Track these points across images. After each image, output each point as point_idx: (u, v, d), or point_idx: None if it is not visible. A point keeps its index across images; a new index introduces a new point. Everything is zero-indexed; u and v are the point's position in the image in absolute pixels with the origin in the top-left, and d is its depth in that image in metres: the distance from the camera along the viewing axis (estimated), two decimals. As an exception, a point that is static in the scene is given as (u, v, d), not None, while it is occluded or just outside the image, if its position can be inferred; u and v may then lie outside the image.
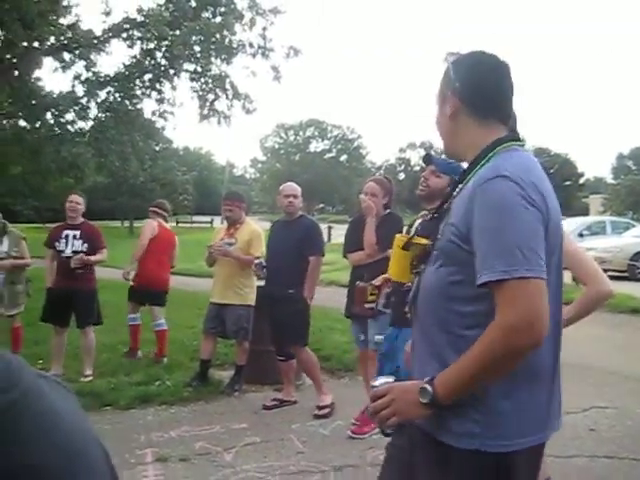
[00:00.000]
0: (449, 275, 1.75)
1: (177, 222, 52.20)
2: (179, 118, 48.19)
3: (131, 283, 7.68)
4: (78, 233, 6.60)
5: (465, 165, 1.91)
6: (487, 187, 1.67)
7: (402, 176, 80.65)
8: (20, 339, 7.13)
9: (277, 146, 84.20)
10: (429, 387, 1.67)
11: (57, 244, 6.59)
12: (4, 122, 15.20)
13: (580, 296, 2.81)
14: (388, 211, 5.17)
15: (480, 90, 1.84)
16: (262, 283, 6.06)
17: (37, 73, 14.13)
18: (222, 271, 6.30)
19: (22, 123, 14.24)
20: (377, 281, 4.23)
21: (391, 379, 1.84)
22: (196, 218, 53.94)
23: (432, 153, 3.86)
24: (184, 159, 75.28)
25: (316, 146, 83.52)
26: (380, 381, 1.83)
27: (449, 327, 1.75)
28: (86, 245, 6.57)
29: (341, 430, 5.17)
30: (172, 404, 5.84)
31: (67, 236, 6.59)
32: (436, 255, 1.81)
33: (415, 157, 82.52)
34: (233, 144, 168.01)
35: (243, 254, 6.20)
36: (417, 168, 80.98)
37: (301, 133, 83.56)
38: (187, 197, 51.23)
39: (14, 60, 12.20)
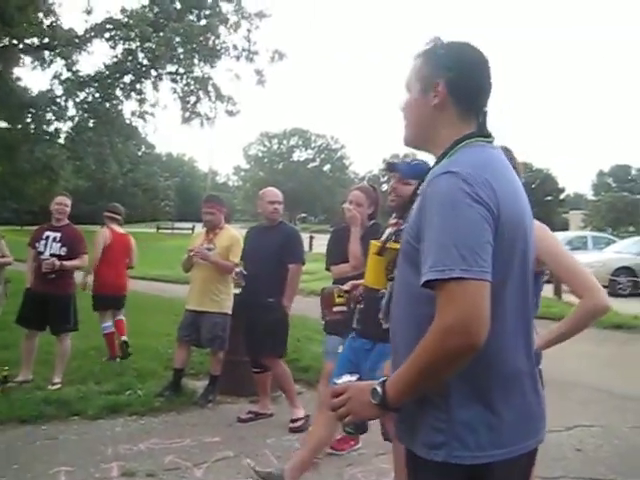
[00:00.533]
0: (410, 277, 1.67)
1: (158, 228, 51.83)
2: (162, 123, 47.86)
3: (90, 293, 7.59)
4: (59, 235, 6.36)
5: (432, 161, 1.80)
6: (434, 184, 1.61)
7: (385, 187, 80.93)
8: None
9: (261, 154, 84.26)
10: (379, 388, 1.63)
11: (37, 245, 6.35)
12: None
13: (575, 310, 2.63)
14: (373, 222, 4.80)
15: (470, 83, 1.75)
16: (238, 291, 5.85)
17: (17, 72, 13.79)
18: (198, 277, 6.08)
19: (2, 124, 13.96)
20: (346, 285, 4.04)
21: (354, 377, 1.80)
22: (178, 224, 53.47)
23: (392, 161, 3.67)
24: (167, 165, 75.01)
25: (299, 155, 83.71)
26: (343, 379, 1.80)
27: (415, 331, 1.65)
28: (65, 249, 6.33)
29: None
30: (143, 414, 5.59)
31: (47, 237, 6.35)
32: (400, 257, 1.77)
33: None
34: (216, 151, 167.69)
35: (222, 260, 6.00)
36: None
37: (285, 142, 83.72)
38: (169, 203, 50.97)
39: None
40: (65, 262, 6.28)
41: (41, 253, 6.30)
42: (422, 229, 1.60)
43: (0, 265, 6.75)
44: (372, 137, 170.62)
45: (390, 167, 3.66)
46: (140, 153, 47.32)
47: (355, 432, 1.85)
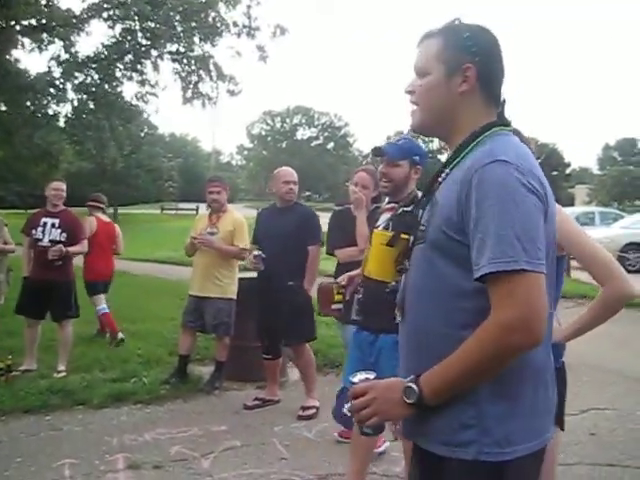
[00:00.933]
0: (441, 269, 1.60)
1: (162, 209, 51.73)
2: (164, 103, 47.36)
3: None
4: (57, 221, 6.24)
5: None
6: (485, 172, 1.52)
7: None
8: (-6, 335, 6.77)
9: (264, 133, 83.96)
10: (415, 386, 1.55)
11: (34, 232, 6.22)
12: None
13: (596, 300, 2.49)
14: (375, 205, 4.56)
15: (494, 69, 1.69)
16: (251, 275, 5.72)
17: (16, 54, 13.61)
18: (201, 261, 5.95)
19: (3, 107, 13.79)
20: (342, 279, 3.90)
21: (371, 375, 1.69)
22: (182, 205, 53.33)
23: (378, 145, 3.53)
24: (170, 145, 74.70)
25: (303, 133, 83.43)
26: (359, 377, 1.69)
27: (442, 327, 1.60)
28: (65, 235, 6.21)
29: (327, 433, 4.86)
30: (148, 403, 5.51)
31: (45, 224, 6.22)
32: (423, 248, 1.65)
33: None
34: (220, 131, 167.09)
35: (225, 244, 5.87)
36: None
37: (288, 120, 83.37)
38: (172, 184, 50.77)
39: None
40: (69, 248, 6.18)
41: (39, 240, 6.18)
42: (468, 219, 1.52)
43: (2, 252, 6.63)
44: (376, 114, 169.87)
45: (377, 152, 3.53)
46: (143, 134, 47.07)
47: (374, 433, 1.74)
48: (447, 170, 1.66)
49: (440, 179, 1.66)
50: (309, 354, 5.51)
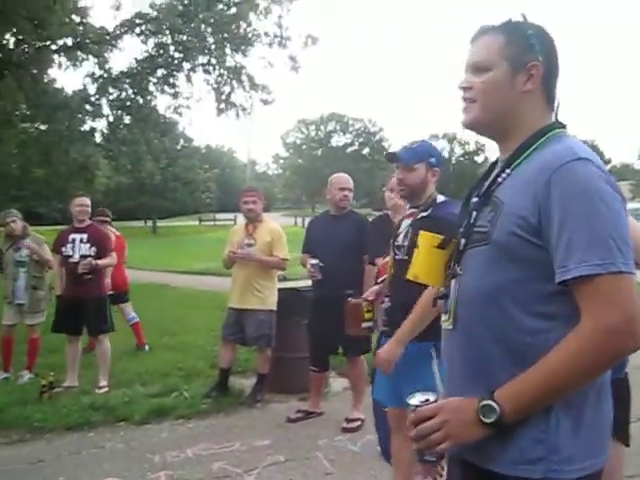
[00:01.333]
0: (510, 274, 1.50)
1: (200, 220, 52.17)
2: (199, 115, 48.02)
3: None
4: (85, 236, 6.24)
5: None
6: (568, 170, 1.44)
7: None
8: (36, 350, 6.80)
9: (299, 141, 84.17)
10: (494, 403, 1.43)
11: (64, 249, 6.23)
12: (24, 125, 14.99)
13: None
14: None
15: (555, 69, 1.64)
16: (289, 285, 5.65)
17: (52, 73, 13.82)
18: (241, 273, 5.88)
19: (43, 127, 14.00)
20: (370, 295, 3.78)
21: (432, 396, 1.56)
22: (219, 216, 53.72)
23: (392, 151, 3.49)
24: (206, 157, 75.40)
25: (338, 140, 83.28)
26: (420, 398, 1.55)
27: (507, 335, 1.50)
28: (94, 249, 6.21)
29: (373, 445, 4.69)
30: (189, 418, 5.45)
31: (74, 240, 6.23)
32: (486, 251, 1.54)
33: (438, 148, 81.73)
34: (255, 141, 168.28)
35: (263, 255, 5.81)
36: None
37: (322, 128, 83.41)
38: (209, 195, 51.21)
39: (26, 59, 11.91)
40: (99, 261, 6.18)
41: (70, 256, 6.19)
42: (550, 220, 1.43)
43: (43, 268, 6.68)
44: (410, 117, 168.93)
45: (391, 158, 3.47)
46: (179, 147, 47.63)
47: (437, 460, 1.59)
48: (508, 170, 1.58)
49: (500, 179, 1.59)
50: (363, 366, 5.38)
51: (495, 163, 1.72)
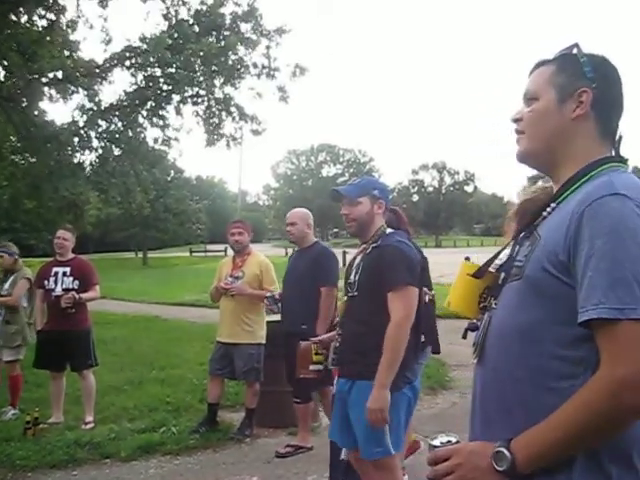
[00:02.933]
0: (538, 312, 1.42)
1: (191, 251, 52.07)
2: (190, 146, 48.22)
3: None
4: (68, 270, 6.15)
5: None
6: (601, 205, 1.35)
7: (416, 198, 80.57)
8: (18, 387, 6.66)
9: (289, 172, 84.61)
10: (506, 451, 1.35)
11: (46, 282, 6.13)
12: (13, 157, 15.02)
13: None
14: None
15: (612, 99, 1.56)
16: (275, 317, 5.63)
17: (41, 105, 13.86)
18: (229, 307, 5.82)
19: (32, 159, 14.01)
20: (325, 337, 3.75)
21: (454, 438, 1.51)
22: (210, 247, 53.69)
23: (335, 188, 3.56)
24: (197, 188, 75.58)
25: (328, 171, 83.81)
26: (441, 440, 1.52)
27: (530, 377, 1.42)
28: (77, 282, 6.12)
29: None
30: (177, 454, 5.34)
31: (57, 273, 6.14)
32: (518, 286, 1.48)
33: (428, 178, 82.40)
34: (246, 171, 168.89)
35: (252, 288, 5.77)
36: (430, 189, 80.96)
37: (313, 158, 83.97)
38: (199, 226, 51.21)
39: (16, 92, 11.95)
40: (82, 295, 6.08)
41: (52, 290, 6.10)
42: (577, 257, 1.35)
43: (8, 305, 6.55)
44: (400, 148, 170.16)
45: (335, 196, 3.52)
46: (169, 178, 47.70)
47: None
48: (553, 204, 1.52)
49: (545, 213, 1.53)
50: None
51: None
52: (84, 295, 6.09)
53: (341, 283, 3.89)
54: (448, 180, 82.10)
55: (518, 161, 1.63)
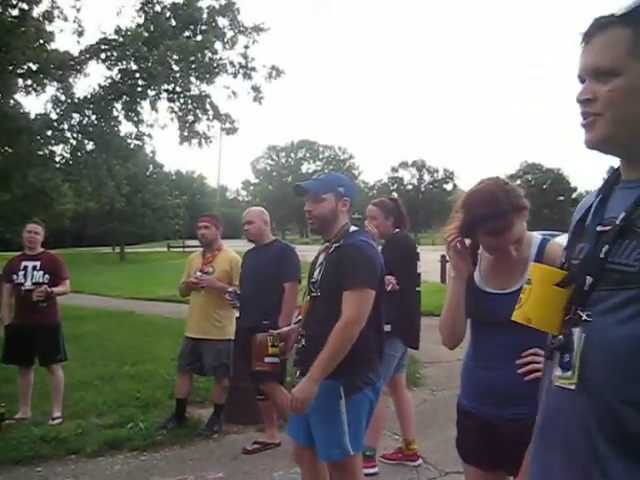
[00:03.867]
0: None
1: (169, 247, 51.78)
2: (169, 142, 47.98)
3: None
4: (38, 264, 6.10)
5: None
6: None
7: (395, 195, 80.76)
8: (-17, 383, 6.60)
9: (269, 168, 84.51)
10: None
11: (15, 277, 6.08)
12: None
13: None
14: (397, 230, 4.89)
15: None
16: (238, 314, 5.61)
17: (16, 97, 13.71)
18: (198, 302, 5.80)
19: (4, 150, 13.84)
20: (284, 330, 3.74)
21: None
22: (189, 242, 53.39)
23: (299, 183, 3.46)
24: (176, 183, 75.11)
25: (308, 167, 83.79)
26: None
27: None
28: (47, 276, 6.07)
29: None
30: (144, 450, 5.30)
31: (26, 267, 6.08)
32: (630, 295, 1.25)
33: (407, 176, 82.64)
34: (225, 167, 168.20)
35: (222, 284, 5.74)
36: (410, 187, 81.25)
37: (292, 155, 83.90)
38: (178, 222, 50.91)
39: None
40: (54, 288, 6.03)
41: (21, 284, 6.05)
42: None
43: None
44: (380, 146, 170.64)
45: (298, 190, 3.43)
46: (148, 173, 47.36)
47: None
48: None
49: None
50: (282, 395, 5.07)
51: (609, 184, 1.44)
52: (55, 289, 6.04)
53: (304, 282, 3.85)
54: (427, 178, 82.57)
55: (591, 147, 1.39)
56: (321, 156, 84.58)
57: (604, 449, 1.26)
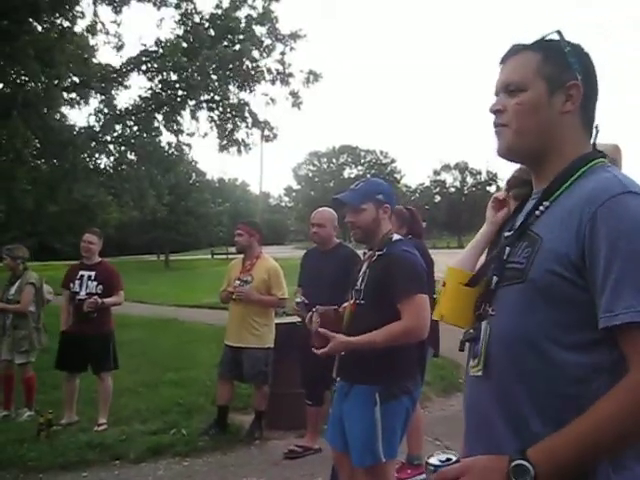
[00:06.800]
0: (547, 316, 1.36)
1: (212, 254, 52.29)
2: (211, 150, 48.65)
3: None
4: (93, 274, 6.24)
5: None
6: (617, 204, 1.32)
7: (438, 198, 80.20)
8: (32, 389, 6.77)
9: (311, 174, 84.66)
10: (527, 463, 1.26)
11: (72, 285, 6.24)
12: (37, 162, 15.22)
13: None
14: (409, 237, 4.79)
15: (594, 92, 1.53)
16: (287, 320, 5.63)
17: (61, 110, 14.07)
18: (237, 310, 5.84)
19: (50, 164, 14.18)
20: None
21: (453, 456, 1.42)
22: (232, 249, 53.82)
23: (336, 196, 3.46)
24: (219, 191, 75.84)
25: (350, 172, 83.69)
26: (440, 458, 1.41)
27: (543, 385, 1.36)
28: (101, 287, 6.20)
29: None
30: (186, 456, 5.39)
31: (82, 277, 6.23)
32: (520, 290, 1.41)
33: (450, 178, 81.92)
34: (268, 173, 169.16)
35: (260, 292, 5.78)
36: (452, 190, 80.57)
37: (334, 160, 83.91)
38: (222, 229, 51.46)
39: (36, 98, 12.10)
40: (105, 300, 6.16)
41: (76, 293, 6.19)
42: (594, 258, 1.31)
43: (15, 312, 6.62)
44: (422, 149, 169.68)
45: (337, 203, 3.45)
46: (191, 181, 47.98)
47: None
48: (546, 203, 1.46)
49: (537, 212, 1.46)
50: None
51: (529, 195, 1.60)
52: (107, 300, 6.16)
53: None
54: (470, 180, 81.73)
55: (499, 156, 1.56)
56: (363, 161, 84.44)
57: (502, 429, 1.41)
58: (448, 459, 1.40)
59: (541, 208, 1.46)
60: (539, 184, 1.54)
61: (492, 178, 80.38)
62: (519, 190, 2.40)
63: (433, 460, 1.42)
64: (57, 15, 11.53)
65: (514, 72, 1.51)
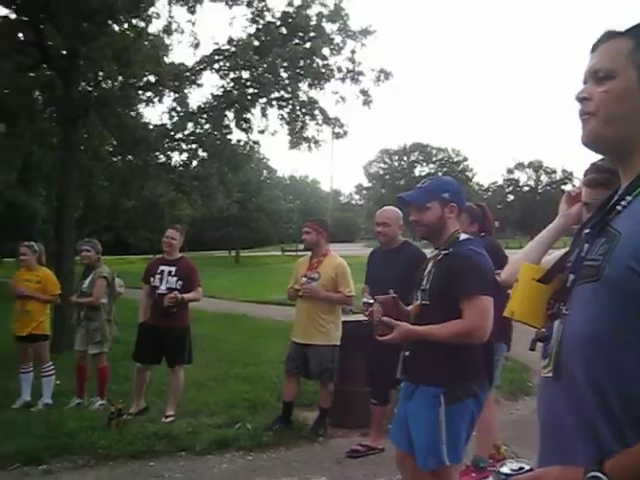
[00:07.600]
0: (623, 314, 1.27)
1: (283, 250, 52.77)
2: (281, 147, 49.12)
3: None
4: (174, 269, 6.36)
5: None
6: None
7: (511, 198, 78.58)
8: (105, 379, 7.01)
9: (382, 172, 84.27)
10: (604, 477, 1.19)
11: (152, 279, 6.39)
12: (113, 159, 15.72)
13: None
14: (482, 234, 4.86)
15: None
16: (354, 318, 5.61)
17: (137, 108, 14.45)
18: (304, 307, 5.87)
19: (125, 160, 14.60)
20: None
21: (526, 465, 1.37)
22: (302, 246, 54.22)
23: (400, 194, 3.40)
24: (290, 188, 76.56)
25: (421, 170, 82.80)
26: (512, 466, 1.37)
27: (619, 389, 1.26)
28: (181, 282, 6.32)
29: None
30: (250, 450, 5.44)
31: (162, 272, 6.37)
32: (596, 288, 1.32)
33: (524, 177, 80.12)
34: (339, 171, 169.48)
35: (327, 290, 5.79)
36: (526, 188, 78.79)
37: (405, 158, 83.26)
38: (292, 225, 51.92)
39: (113, 97, 12.46)
40: (185, 295, 6.27)
41: (156, 287, 6.32)
42: None
43: (88, 304, 6.84)
44: (495, 147, 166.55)
45: (401, 202, 3.40)
46: (262, 178, 48.59)
47: None
48: (629, 197, 1.38)
49: (619, 207, 1.38)
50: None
51: (616, 191, 1.50)
52: (186, 296, 6.28)
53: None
54: (545, 179, 79.73)
55: (584, 144, 1.46)
56: (434, 159, 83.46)
57: (574, 436, 1.32)
58: (521, 468, 1.35)
59: (623, 203, 1.38)
60: (626, 179, 1.44)
61: (567, 177, 78.16)
62: (594, 176, 2.33)
63: (505, 469, 1.37)
64: (133, 16, 11.82)
65: (604, 59, 1.43)
